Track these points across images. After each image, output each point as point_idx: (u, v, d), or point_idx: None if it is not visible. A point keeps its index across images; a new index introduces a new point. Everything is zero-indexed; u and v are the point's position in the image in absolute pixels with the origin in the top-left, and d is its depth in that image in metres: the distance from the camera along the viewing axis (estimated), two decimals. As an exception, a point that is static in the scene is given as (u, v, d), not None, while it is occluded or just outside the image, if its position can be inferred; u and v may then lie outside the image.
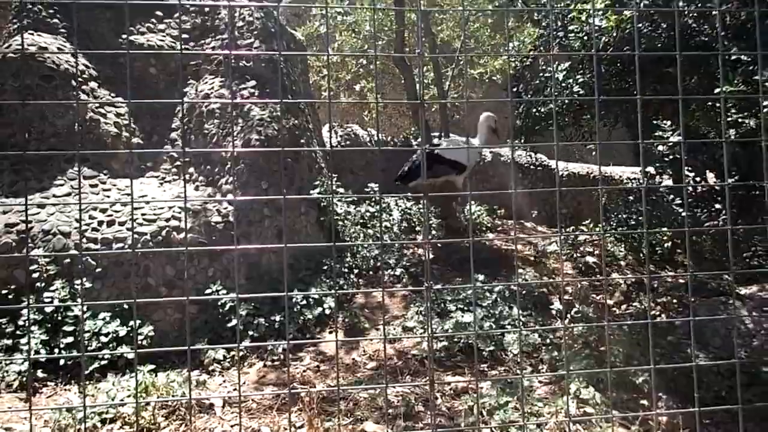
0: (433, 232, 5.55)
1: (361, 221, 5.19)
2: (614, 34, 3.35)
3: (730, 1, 3.46)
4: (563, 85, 3.64)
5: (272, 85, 4.90)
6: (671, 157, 4.01)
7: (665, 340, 3.47)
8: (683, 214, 4.20)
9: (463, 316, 3.77)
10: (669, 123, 3.58)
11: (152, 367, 3.21)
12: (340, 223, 4.96)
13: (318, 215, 4.62)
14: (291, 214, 4.45)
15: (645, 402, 3.12)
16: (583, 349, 3.46)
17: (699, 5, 3.43)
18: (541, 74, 4.06)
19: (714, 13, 3.19)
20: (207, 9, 5.46)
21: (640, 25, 3.62)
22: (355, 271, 4.59)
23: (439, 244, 5.27)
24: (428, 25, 6.50)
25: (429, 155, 5.53)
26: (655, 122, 3.63)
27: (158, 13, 5.43)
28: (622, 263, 5.32)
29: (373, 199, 5.66)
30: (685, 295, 4.19)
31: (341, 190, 5.22)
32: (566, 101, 3.70)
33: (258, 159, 4.41)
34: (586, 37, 3.47)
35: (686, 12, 3.39)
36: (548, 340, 3.67)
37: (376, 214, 5.43)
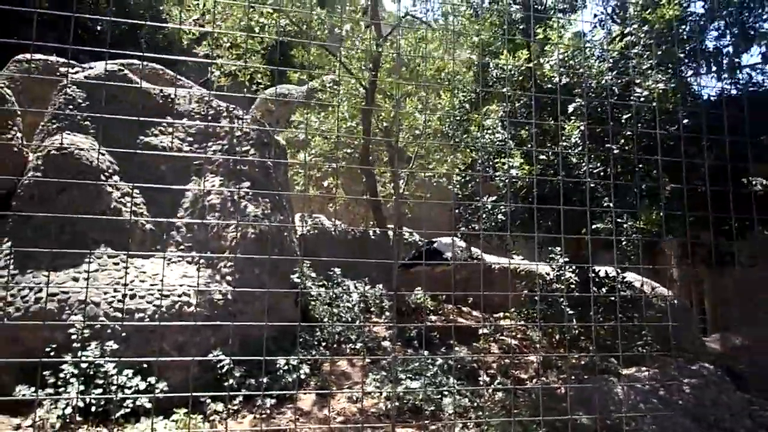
0: (386, 312, 6.65)
1: (327, 302, 6.24)
2: (526, 180, 4.73)
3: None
4: (491, 211, 4.98)
5: (263, 186, 6.03)
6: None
7: (560, 405, 4.63)
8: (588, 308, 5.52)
9: (411, 383, 4.83)
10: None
11: (164, 415, 4.07)
12: (312, 303, 6.00)
13: (295, 297, 5.66)
14: (276, 295, 5.47)
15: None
16: (501, 411, 4.57)
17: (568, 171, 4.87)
18: (476, 200, 5.42)
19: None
20: (209, 117, 6.62)
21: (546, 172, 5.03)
22: (324, 343, 5.59)
23: (391, 325, 6.37)
24: (389, 134, 7.89)
25: (430, 250, 7.01)
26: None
27: (169, 118, 6.54)
28: (538, 346, 6.55)
29: (336, 282, 6.76)
30: (581, 372, 5.42)
31: (313, 274, 6.29)
32: (492, 223, 5.01)
33: (252, 248, 5.46)
34: (506, 181, 4.84)
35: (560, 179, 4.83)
36: (475, 404, 4.76)
37: (339, 295, 6.51)
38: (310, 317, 5.88)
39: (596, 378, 5.04)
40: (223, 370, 4.65)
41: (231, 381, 4.56)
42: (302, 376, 4.91)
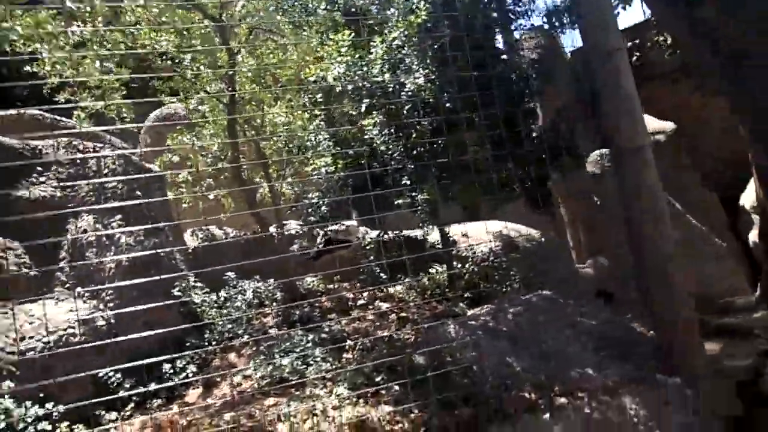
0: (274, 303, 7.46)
1: (216, 305, 6.98)
2: (340, 174, 5.61)
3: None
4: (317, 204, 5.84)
5: (135, 215, 6.69)
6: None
7: (405, 351, 5.56)
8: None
9: (282, 359, 5.67)
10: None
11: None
12: (199, 309, 6.74)
13: (179, 307, 6.39)
14: (158, 311, 6.18)
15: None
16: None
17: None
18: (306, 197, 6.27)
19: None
20: (78, 161, 7.17)
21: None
22: (213, 342, 6.36)
23: (279, 311, 7.19)
24: (257, 142, 8.58)
25: (329, 240, 7.80)
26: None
27: (39, 168, 7.06)
28: (412, 305, 7.51)
29: (232, 285, 7.51)
30: (433, 320, 6.40)
31: (200, 284, 7.02)
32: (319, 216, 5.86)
33: (128, 275, 6.13)
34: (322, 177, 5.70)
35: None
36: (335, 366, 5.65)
37: (232, 296, 7.26)
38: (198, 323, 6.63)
39: (435, 323, 6.00)
40: (115, 385, 5.37)
41: (122, 392, 5.29)
42: (190, 375, 5.68)
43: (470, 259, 8.59)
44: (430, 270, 7.77)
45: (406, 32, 5.53)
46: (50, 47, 7.54)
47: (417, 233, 8.92)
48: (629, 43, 15.21)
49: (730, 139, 13.68)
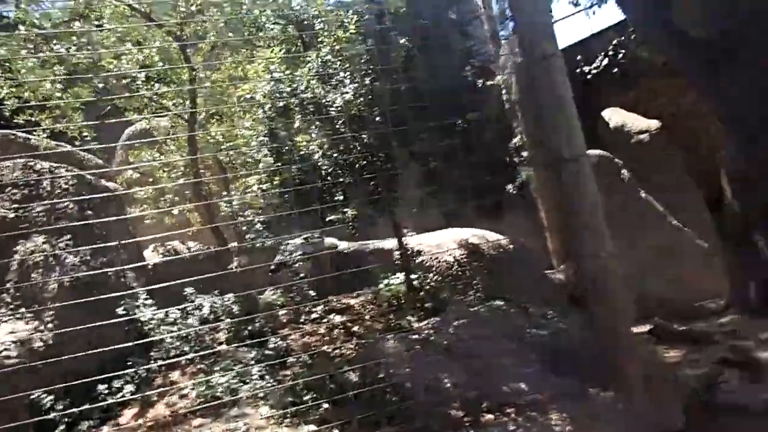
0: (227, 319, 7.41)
1: (168, 322, 6.94)
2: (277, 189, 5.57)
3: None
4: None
5: (84, 236, 6.71)
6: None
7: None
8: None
9: (220, 378, 5.62)
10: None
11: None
12: (147, 327, 6.71)
13: (125, 325, 6.36)
14: (101, 330, 6.17)
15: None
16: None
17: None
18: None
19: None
20: (32, 181, 7.23)
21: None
22: (159, 360, 6.33)
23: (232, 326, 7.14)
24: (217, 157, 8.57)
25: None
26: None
27: (-7, 189, 7.12)
28: (367, 318, 7.41)
29: (190, 300, 7.48)
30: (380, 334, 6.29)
31: (150, 301, 6.99)
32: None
33: (71, 295, 6.14)
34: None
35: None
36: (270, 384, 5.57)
37: (189, 312, 7.23)
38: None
39: (376, 337, 5.91)
40: (47, 407, 5.36)
41: (53, 415, 5.28)
42: (127, 395, 5.65)
43: (433, 269, 8.49)
44: (390, 281, 7.68)
45: (338, 46, 5.50)
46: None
47: (387, 244, 8.86)
48: (615, 41, 14.97)
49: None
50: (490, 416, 4.65)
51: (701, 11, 6.88)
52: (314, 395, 5.05)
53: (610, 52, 14.95)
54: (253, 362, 5.92)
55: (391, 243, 8.81)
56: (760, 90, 7.30)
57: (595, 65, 15.16)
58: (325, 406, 4.95)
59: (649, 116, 14.03)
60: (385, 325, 6.55)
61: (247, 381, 5.58)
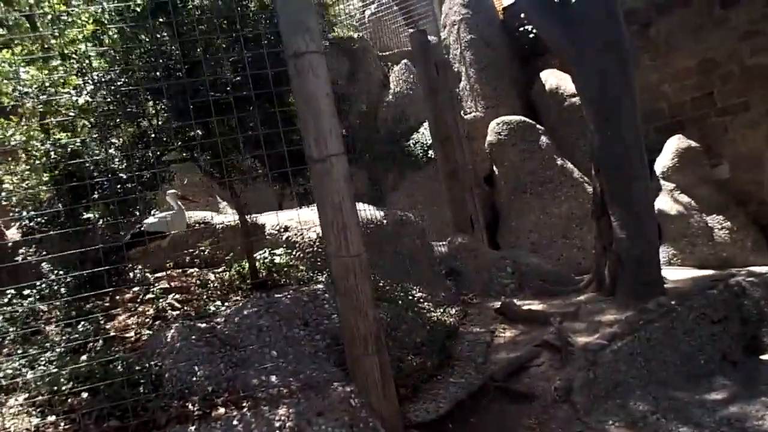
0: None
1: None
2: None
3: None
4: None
5: None
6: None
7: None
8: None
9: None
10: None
11: None
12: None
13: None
14: None
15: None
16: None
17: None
18: None
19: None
20: None
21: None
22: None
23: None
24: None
25: (135, 233, 7.65)
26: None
27: None
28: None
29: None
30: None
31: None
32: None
33: None
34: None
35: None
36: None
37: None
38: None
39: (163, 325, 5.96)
40: None
41: None
42: None
43: (297, 246, 8.47)
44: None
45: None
46: None
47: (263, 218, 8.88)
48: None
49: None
50: (221, 410, 4.69)
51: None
52: (76, 384, 5.13)
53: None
54: (49, 345, 6.01)
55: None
56: (599, 72, 7.08)
57: (536, 23, 14.66)
58: (85, 395, 5.03)
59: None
60: (198, 309, 6.57)
61: (35, 366, 5.69)
